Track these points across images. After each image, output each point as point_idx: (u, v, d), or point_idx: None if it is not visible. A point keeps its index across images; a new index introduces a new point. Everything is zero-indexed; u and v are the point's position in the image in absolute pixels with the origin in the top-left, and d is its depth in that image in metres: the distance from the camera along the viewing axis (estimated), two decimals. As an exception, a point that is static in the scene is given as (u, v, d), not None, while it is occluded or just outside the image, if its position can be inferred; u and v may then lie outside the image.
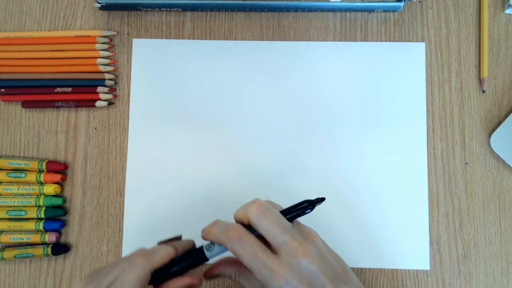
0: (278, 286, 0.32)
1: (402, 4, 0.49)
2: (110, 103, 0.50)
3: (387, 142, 0.49)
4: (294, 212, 0.36)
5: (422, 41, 0.50)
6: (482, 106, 0.50)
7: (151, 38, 0.51)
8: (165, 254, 0.36)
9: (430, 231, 0.48)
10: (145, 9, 0.50)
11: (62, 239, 0.49)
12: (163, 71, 0.50)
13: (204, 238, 0.37)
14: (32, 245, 0.48)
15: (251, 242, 0.34)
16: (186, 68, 0.50)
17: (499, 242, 0.48)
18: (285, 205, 0.42)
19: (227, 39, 0.51)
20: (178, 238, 0.40)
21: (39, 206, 0.48)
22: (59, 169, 0.49)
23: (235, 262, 0.38)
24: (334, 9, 0.50)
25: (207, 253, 0.37)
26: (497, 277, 0.47)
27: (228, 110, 0.50)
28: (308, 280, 0.33)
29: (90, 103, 0.50)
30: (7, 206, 0.48)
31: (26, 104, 0.50)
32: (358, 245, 0.48)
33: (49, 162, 0.49)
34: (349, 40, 0.51)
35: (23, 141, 0.50)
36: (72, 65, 0.50)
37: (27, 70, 0.50)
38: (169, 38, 0.51)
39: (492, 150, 0.48)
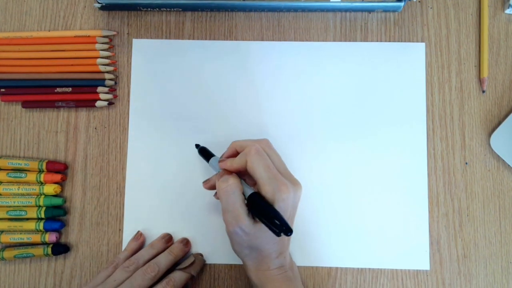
0: (282, 198, 0.39)
1: (402, 4, 0.49)
2: (110, 103, 0.50)
3: (387, 142, 0.49)
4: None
5: (422, 41, 0.50)
6: (482, 106, 0.50)
7: (151, 38, 0.51)
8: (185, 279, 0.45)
9: (430, 231, 0.48)
10: (145, 9, 0.50)
11: (62, 239, 0.49)
12: (163, 71, 0.50)
13: (223, 164, 0.43)
14: (32, 245, 0.48)
15: (266, 157, 0.41)
16: (186, 68, 0.50)
17: (499, 242, 0.48)
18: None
19: (227, 39, 0.51)
20: (193, 261, 0.46)
21: (39, 206, 0.48)
22: (59, 169, 0.49)
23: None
24: (334, 9, 0.50)
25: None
26: (497, 277, 0.47)
27: (228, 110, 0.50)
28: (295, 204, 0.42)
29: (90, 103, 0.50)
30: (7, 206, 0.48)
31: (26, 104, 0.50)
32: (358, 245, 0.48)
33: (49, 162, 0.49)
34: (349, 40, 0.51)
35: (23, 141, 0.50)
36: (72, 65, 0.50)
37: (27, 70, 0.50)
38: (169, 38, 0.51)
39: (492, 150, 0.48)
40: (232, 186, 0.40)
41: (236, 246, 0.43)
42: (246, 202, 0.41)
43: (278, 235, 0.37)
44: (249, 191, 0.41)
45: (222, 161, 0.44)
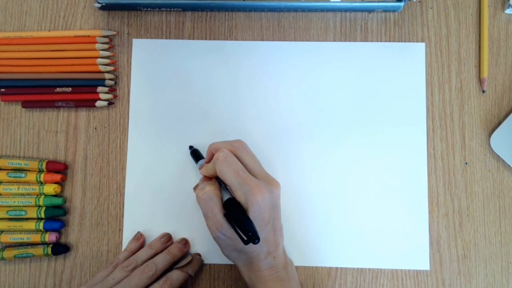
0: (256, 201, 0.39)
1: (402, 4, 0.49)
2: (110, 103, 0.50)
3: (387, 142, 0.49)
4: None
5: (422, 41, 0.50)
6: (482, 106, 0.50)
7: (151, 38, 0.51)
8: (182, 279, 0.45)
9: (430, 231, 0.48)
10: (145, 9, 0.50)
11: (62, 239, 0.49)
12: (163, 71, 0.50)
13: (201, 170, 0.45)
14: (32, 245, 0.48)
15: (235, 161, 0.41)
16: (186, 68, 0.50)
17: (499, 242, 0.48)
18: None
19: (227, 39, 0.51)
20: (190, 260, 0.46)
21: (39, 206, 0.48)
22: (59, 169, 0.49)
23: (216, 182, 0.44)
24: (334, 9, 0.50)
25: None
26: (497, 277, 0.47)
27: (228, 110, 0.50)
28: (273, 203, 0.41)
29: (90, 103, 0.50)
30: (7, 206, 0.48)
31: (26, 104, 0.50)
32: (358, 245, 0.48)
33: (49, 162, 0.49)
34: (349, 40, 0.51)
35: (23, 141, 0.50)
36: (72, 65, 0.50)
37: (27, 70, 0.50)
38: (169, 38, 0.51)
39: (492, 150, 0.48)
40: (208, 194, 0.41)
41: (224, 250, 0.43)
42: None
43: (245, 243, 0.38)
44: (226, 196, 0.41)
45: (202, 167, 0.45)
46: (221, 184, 0.43)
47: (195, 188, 0.47)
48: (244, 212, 0.40)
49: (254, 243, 0.38)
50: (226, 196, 0.41)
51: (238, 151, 0.42)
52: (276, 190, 0.42)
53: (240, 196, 0.40)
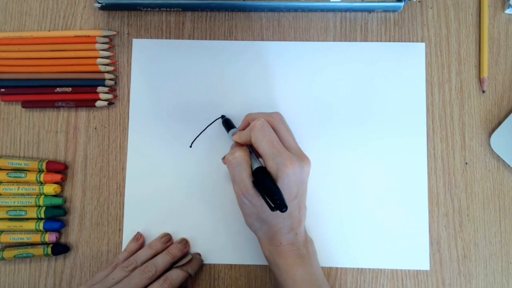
0: (287, 173, 0.39)
1: (402, 4, 0.49)
2: (110, 103, 0.50)
3: (387, 142, 0.49)
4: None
5: (422, 41, 0.50)
6: (482, 106, 0.50)
7: (151, 38, 0.51)
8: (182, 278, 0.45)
9: (430, 231, 0.48)
10: (145, 9, 0.50)
11: (62, 239, 0.49)
12: (163, 71, 0.50)
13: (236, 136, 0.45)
14: (32, 245, 0.48)
15: (270, 132, 0.41)
16: (186, 68, 0.50)
17: (499, 242, 0.48)
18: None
19: (227, 39, 0.51)
20: (190, 259, 0.46)
21: (39, 206, 0.48)
22: (59, 169, 0.49)
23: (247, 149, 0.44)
24: (334, 9, 0.50)
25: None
26: (497, 277, 0.47)
27: (228, 111, 0.50)
28: (302, 179, 0.41)
29: (90, 103, 0.50)
30: (7, 206, 0.48)
31: (26, 104, 0.50)
32: (358, 245, 0.48)
33: (49, 162, 0.49)
34: (349, 40, 0.51)
35: (23, 141, 0.50)
36: (72, 65, 0.50)
37: (27, 70, 0.50)
38: (169, 38, 0.51)
39: (492, 150, 0.48)
40: (237, 159, 0.41)
41: (247, 218, 0.43)
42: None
43: (272, 209, 0.38)
44: (256, 164, 0.41)
45: (234, 133, 0.45)
46: (251, 152, 0.43)
47: (223, 158, 0.46)
48: (273, 181, 0.40)
49: (282, 211, 0.37)
50: (256, 165, 0.41)
51: (275, 122, 0.43)
52: (307, 166, 0.42)
53: (271, 167, 0.40)
